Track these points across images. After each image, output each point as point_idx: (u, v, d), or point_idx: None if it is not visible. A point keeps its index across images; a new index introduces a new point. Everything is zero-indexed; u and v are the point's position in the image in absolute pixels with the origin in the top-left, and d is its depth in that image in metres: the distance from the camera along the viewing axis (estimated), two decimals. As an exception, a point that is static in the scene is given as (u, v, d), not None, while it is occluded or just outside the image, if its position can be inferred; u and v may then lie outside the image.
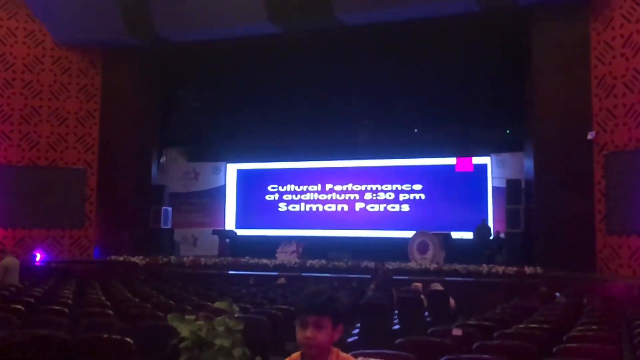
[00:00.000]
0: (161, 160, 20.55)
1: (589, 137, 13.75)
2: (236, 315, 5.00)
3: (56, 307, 6.94)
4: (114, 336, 4.72)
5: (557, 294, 9.55)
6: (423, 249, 15.75)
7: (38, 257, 16.97)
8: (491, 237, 16.69)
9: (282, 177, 20.37)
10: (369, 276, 12.84)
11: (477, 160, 18.09)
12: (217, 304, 5.36)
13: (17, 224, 17.21)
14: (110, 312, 6.65)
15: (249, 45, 17.03)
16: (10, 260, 10.95)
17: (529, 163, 15.85)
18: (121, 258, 16.60)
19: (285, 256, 16.65)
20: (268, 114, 19.68)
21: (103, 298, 8.23)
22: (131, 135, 17.88)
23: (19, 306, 6.98)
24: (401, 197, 19.12)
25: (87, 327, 5.68)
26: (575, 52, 14.14)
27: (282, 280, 12.19)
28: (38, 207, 17.16)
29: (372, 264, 13.50)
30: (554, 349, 4.29)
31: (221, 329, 4.82)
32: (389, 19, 15.33)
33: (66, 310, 6.80)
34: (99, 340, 4.69)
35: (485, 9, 14.55)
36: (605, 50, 13.76)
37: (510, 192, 16.24)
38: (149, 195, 18.42)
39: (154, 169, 18.94)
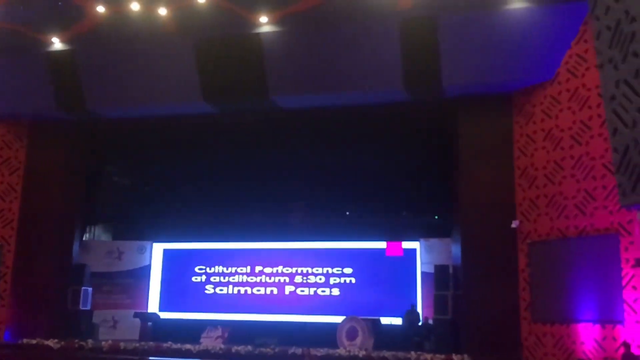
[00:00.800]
0: (84, 238, 19.75)
1: (513, 225, 14.13)
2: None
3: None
4: None
5: None
6: (352, 335, 15.49)
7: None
8: (420, 323, 16.63)
9: (211, 258, 19.88)
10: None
11: (406, 245, 18.25)
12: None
13: None
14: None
15: (182, 123, 16.98)
16: None
17: (456, 249, 16.09)
18: (34, 341, 15.58)
19: (210, 341, 16.01)
20: (199, 193, 19.44)
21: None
22: (54, 212, 17.21)
23: None
24: (332, 280, 18.95)
25: None
26: (499, 143, 14.73)
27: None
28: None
29: (299, 351, 13.16)
30: None
31: None
32: (322, 104, 15.65)
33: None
34: None
35: (414, 99, 15.09)
36: (527, 143, 14.38)
37: (439, 277, 16.34)
38: (68, 275, 17.54)
39: (75, 247, 18.13)
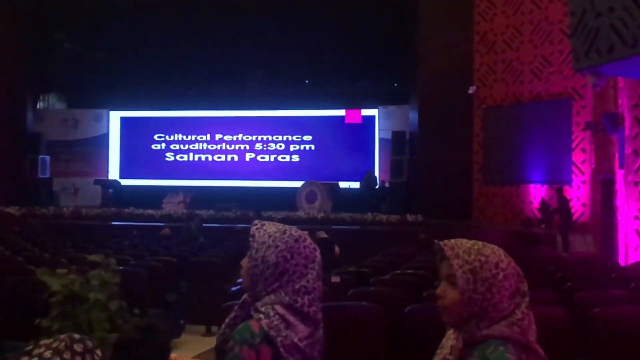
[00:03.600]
0: (38, 107, 19.29)
1: (470, 91, 14.34)
2: (112, 268, 4.88)
3: None
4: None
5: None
6: (311, 199, 15.98)
7: None
8: (377, 187, 17.18)
9: (170, 126, 19.76)
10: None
11: (365, 112, 18.41)
12: (92, 257, 5.20)
13: None
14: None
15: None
16: None
17: (413, 115, 16.34)
18: (-6, 209, 15.62)
19: (172, 207, 16.32)
20: (154, 60, 18.86)
21: (-31, 252, 7.69)
22: (3, 80, 16.64)
23: None
24: (291, 147, 19.18)
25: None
26: (459, 8, 14.57)
27: (166, 231, 11.87)
28: None
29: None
30: (424, 294, 4.49)
31: (96, 282, 4.69)
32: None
33: None
34: None
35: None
36: (487, 8, 14.27)
37: (396, 143, 16.72)
38: (23, 144, 17.32)
39: (29, 116, 17.78)
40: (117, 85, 19.65)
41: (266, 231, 1.94)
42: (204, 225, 12.52)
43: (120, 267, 5.27)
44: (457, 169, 14.47)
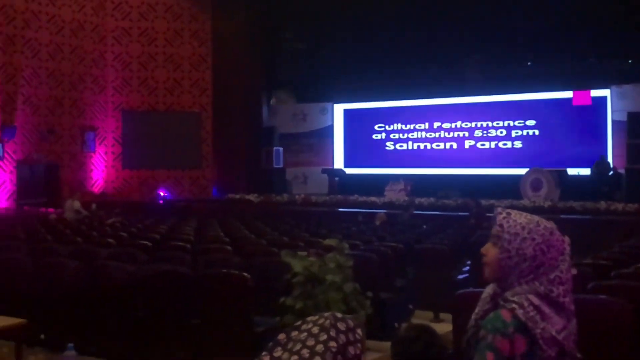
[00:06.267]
0: (271, 103, 21.03)
1: None
2: (346, 252, 5.20)
3: (179, 244, 7.45)
4: (232, 271, 5.01)
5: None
6: (537, 186, 15.29)
7: (162, 196, 18.14)
8: (610, 174, 15.88)
9: (389, 116, 20.23)
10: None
11: (595, 92, 17.07)
12: (327, 241, 5.58)
13: (141, 166, 18.39)
14: (229, 248, 7.05)
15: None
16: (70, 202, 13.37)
17: (654, 94, 14.78)
18: (237, 196, 17.37)
19: (393, 194, 16.73)
20: (374, 53, 19.43)
21: (222, 234, 8.70)
22: (241, 78, 18.40)
23: (146, 242, 7.57)
24: (513, 133, 18.50)
25: (207, 263, 6.05)
26: None
27: (382, 217, 11.98)
28: (159, 149, 18.21)
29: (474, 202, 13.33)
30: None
31: (332, 265, 5.03)
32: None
33: (188, 246, 7.28)
34: (218, 276, 4.97)
35: None
36: None
37: (632, 125, 15.26)
38: (260, 137, 19.00)
39: (264, 111, 19.46)
40: (340, 79, 20.63)
41: (516, 221, 1.93)
42: (424, 212, 12.68)
43: (352, 252, 5.57)
44: None
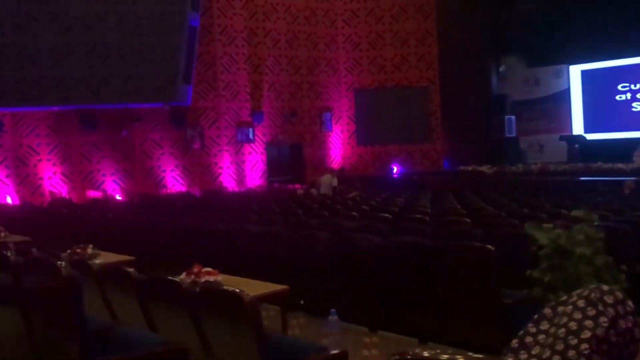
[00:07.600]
0: (500, 70, 20.33)
1: None
2: (595, 224, 4.95)
3: (417, 216, 7.68)
4: (475, 243, 5.06)
5: None
6: None
7: (395, 170, 18.71)
8: None
9: (634, 73, 18.33)
10: None
11: None
12: (574, 212, 5.36)
13: (374, 142, 19.15)
14: (468, 220, 7.09)
15: None
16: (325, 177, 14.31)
17: None
18: (469, 168, 17.21)
19: (644, 160, 15.23)
20: (609, 6, 17.67)
21: (458, 207, 8.77)
22: (468, 48, 18.07)
23: (386, 215, 7.93)
24: None
25: (448, 235, 6.17)
26: None
27: (630, 184, 10.95)
28: (390, 125, 18.77)
29: None
30: None
31: (581, 237, 4.85)
32: None
33: (427, 218, 7.48)
34: (461, 248, 5.02)
35: None
36: None
37: None
38: (490, 106, 18.54)
39: (493, 80, 18.91)
40: (575, 39, 19.13)
41: None
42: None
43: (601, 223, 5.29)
44: None
